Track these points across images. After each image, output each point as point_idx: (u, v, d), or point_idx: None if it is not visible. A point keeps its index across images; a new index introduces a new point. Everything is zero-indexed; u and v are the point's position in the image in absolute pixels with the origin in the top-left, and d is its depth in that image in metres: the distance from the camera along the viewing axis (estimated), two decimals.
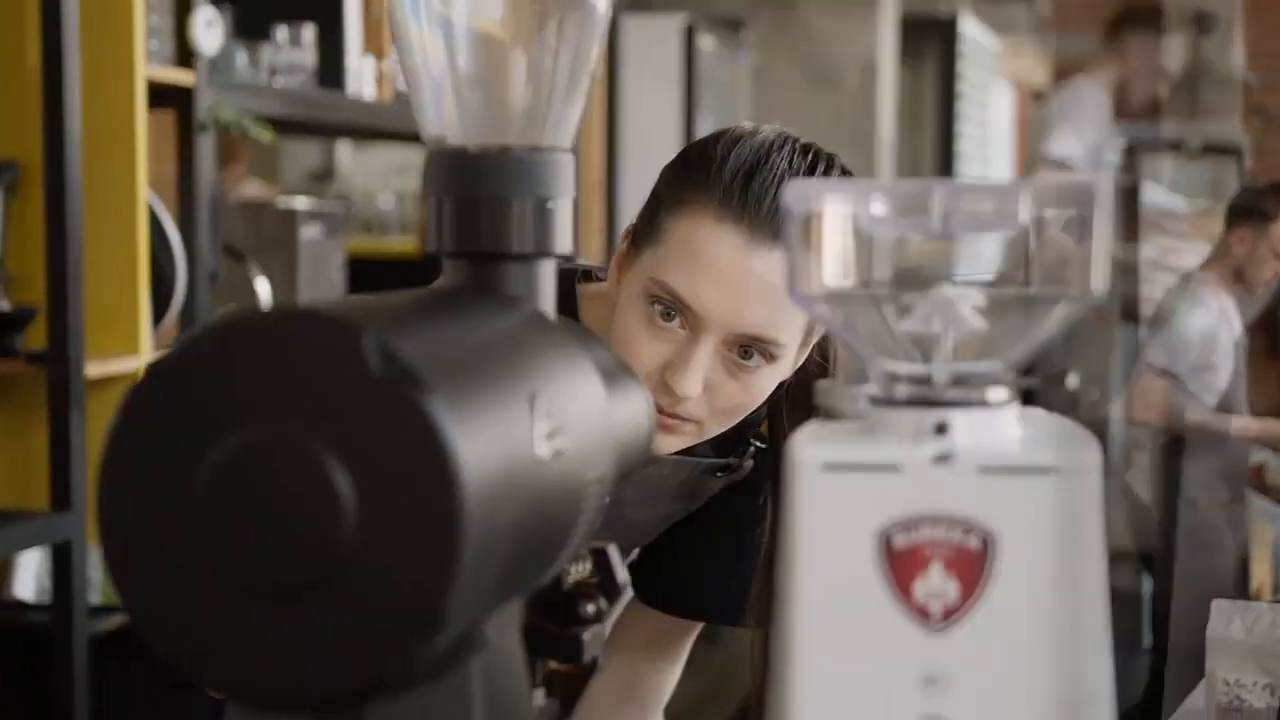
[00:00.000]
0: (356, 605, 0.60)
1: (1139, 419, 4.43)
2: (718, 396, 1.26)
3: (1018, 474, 0.66)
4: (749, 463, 1.43)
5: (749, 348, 1.25)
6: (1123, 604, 4.90)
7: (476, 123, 0.85)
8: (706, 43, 5.04)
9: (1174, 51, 9.53)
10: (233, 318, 0.64)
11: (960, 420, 0.67)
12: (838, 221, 0.73)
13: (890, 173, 6.06)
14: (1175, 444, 4.46)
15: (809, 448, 0.67)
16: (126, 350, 2.63)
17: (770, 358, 1.25)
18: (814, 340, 1.33)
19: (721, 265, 1.22)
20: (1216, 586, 4.23)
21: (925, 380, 0.70)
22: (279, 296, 3.20)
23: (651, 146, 4.70)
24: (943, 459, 0.66)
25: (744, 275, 1.22)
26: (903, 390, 0.70)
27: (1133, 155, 5.04)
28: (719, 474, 1.43)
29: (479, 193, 0.84)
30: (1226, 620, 1.86)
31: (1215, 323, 4.38)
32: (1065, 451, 0.66)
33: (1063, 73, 10.06)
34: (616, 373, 0.89)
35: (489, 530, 0.62)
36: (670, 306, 1.25)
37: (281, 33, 3.18)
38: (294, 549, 0.61)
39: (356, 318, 0.65)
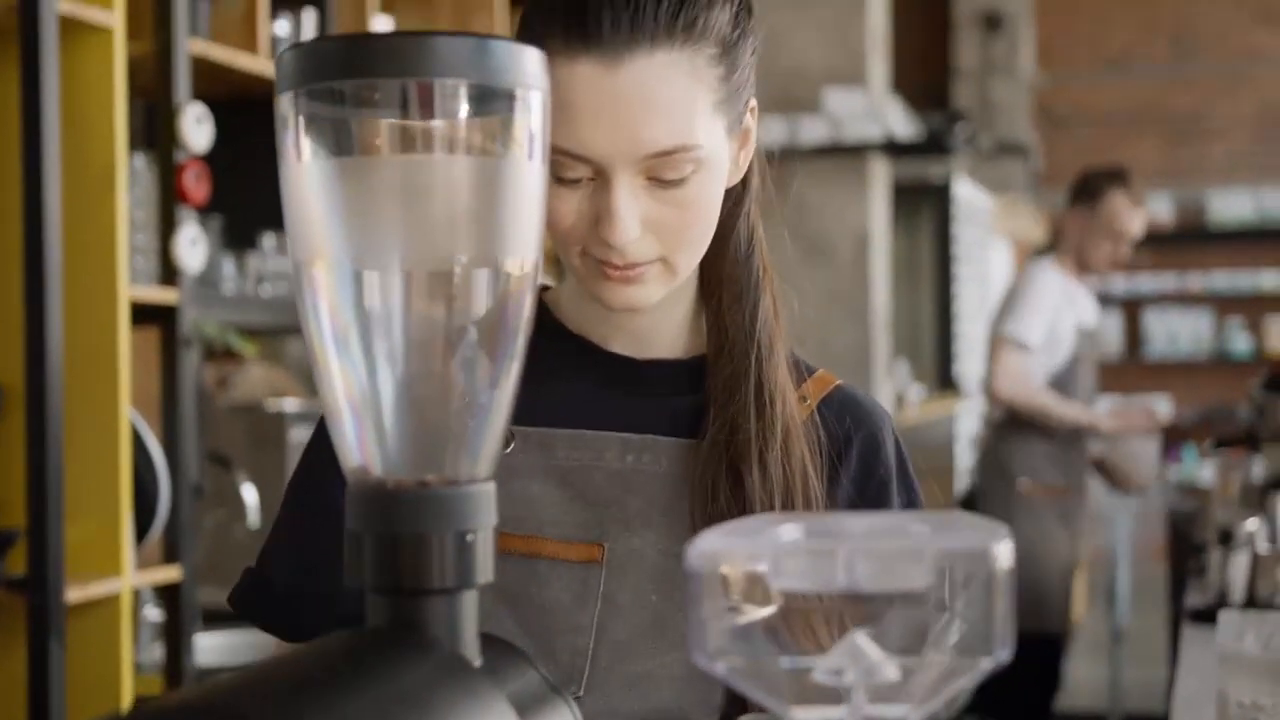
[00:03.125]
0: None
1: (1001, 393, 4.39)
2: (664, 228, 1.17)
3: None
4: None
5: (666, 166, 1.15)
6: None
7: (397, 456, 0.85)
8: None
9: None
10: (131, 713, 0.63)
11: None
12: (743, 580, 0.73)
13: (886, 341, 6.08)
14: (1007, 424, 4.43)
15: None
16: (109, 573, 2.61)
17: (695, 165, 1.16)
18: (746, 119, 1.23)
19: (588, 101, 1.13)
20: (1033, 581, 4.16)
21: None
22: (267, 500, 3.19)
23: None
24: None
25: (615, 100, 1.13)
26: None
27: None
28: None
29: (398, 529, 0.83)
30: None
31: (1058, 303, 4.41)
32: None
33: (1056, 229, 10.21)
34: (543, 698, 0.88)
35: None
36: (568, 165, 1.15)
37: (268, 240, 3.21)
38: None
39: (237, 708, 0.64)
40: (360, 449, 0.85)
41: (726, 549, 0.74)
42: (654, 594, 1.21)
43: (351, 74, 0.81)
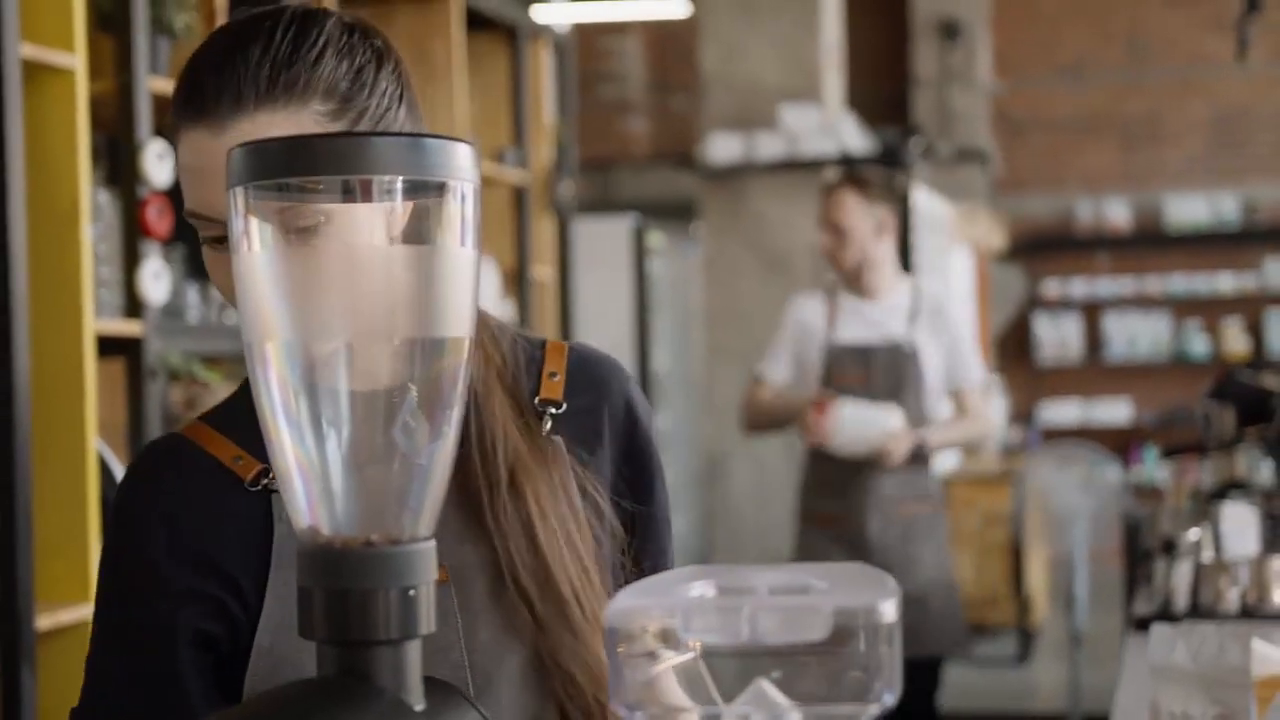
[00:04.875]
0: None
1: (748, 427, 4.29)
2: None
3: None
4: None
5: (293, 219, 1.12)
6: None
7: (344, 517, 0.92)
8: (656, 239, 5.16)
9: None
10: None
11: None
12: (657, 634, 0.80)
13: None
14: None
15: None
16: (78, 599, 2.67)
17: (324, 216, 1.12)
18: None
19: (201, 163, 1.20)
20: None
21: None
22: None
23: (605, 342, 4.77)
24: None
25: (216, 162, 1.16)
26: None
27: None
28: None
29: (346, 585, 0.90)
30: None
31: (802, 327, 4.23)
32: None
33: (1016, 233, 10.34)
34: None
35: None
36: (203, 225, 1.21)
37: None
38: None
39: None
40: (310, 511, 0.93)
41: (641, 607, 0.81)
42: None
43: (295, 172, 0.88)
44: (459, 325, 0.92)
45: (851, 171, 4.27)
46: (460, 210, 0.91)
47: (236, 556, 1.28)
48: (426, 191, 0.90)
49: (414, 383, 0.92)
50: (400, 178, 0.89)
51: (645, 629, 0.81)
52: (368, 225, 0.90)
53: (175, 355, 2.91)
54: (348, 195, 0.90)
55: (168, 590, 1.27)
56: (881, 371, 4.16)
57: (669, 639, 0.80)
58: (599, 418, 1.35)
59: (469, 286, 0.93)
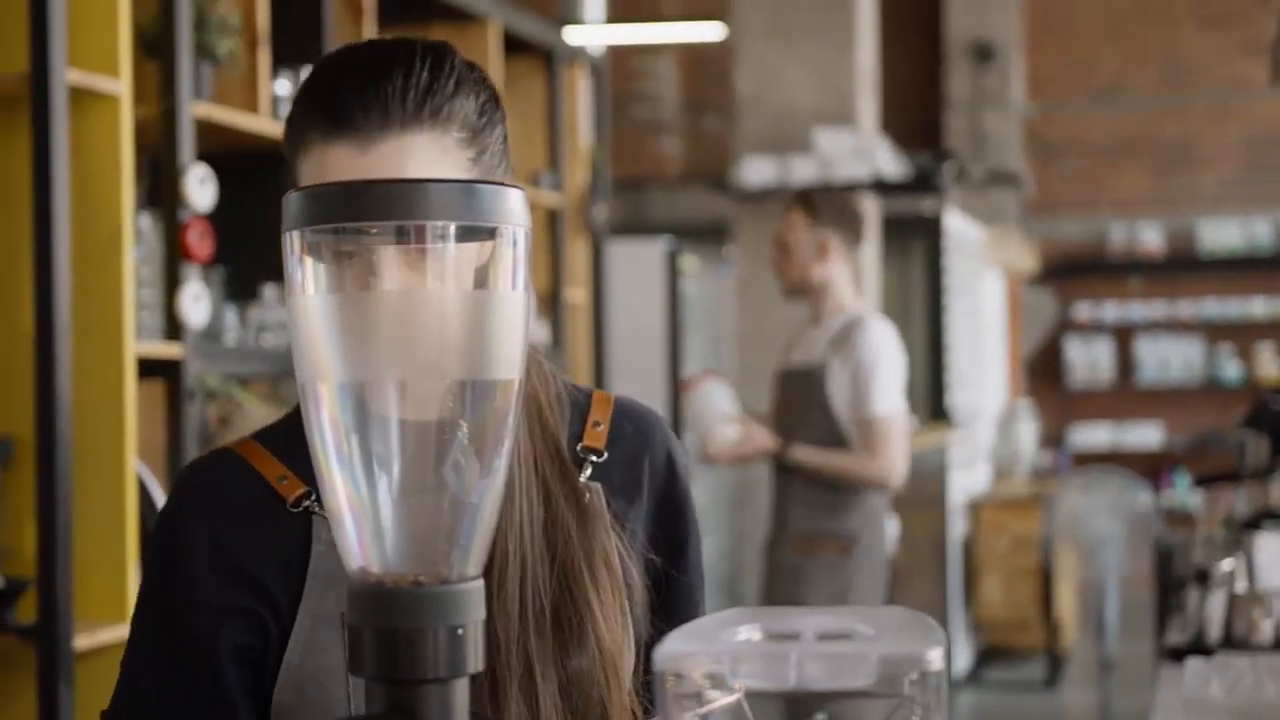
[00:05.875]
0: None
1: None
2: None
3: None
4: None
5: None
6: None
7: (394, 557, 0.94)
8: (689, 263, 5.17)
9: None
10: None
11: None
12: (704, 679, 0.81)
13: None
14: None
15: None
16: (116, 619, 2.69)
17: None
18: None
19: (343, 179, 1.19)
20: None
21: None
22: None
23: (638, 365, 4.80)
24: None
25: (368, 177, 1.20)
26: None
27: None
28: None
29: (396, 624, 0.92)
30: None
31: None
32: None
33: (1048, 256, 10.32)
34: None
35: None
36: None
37: (269, 291, 3.30)
38: None
39: None
40: (361, 550, 0.94)
41: (689, 651, 0.82)
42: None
43: (351, 217, 0.90)
44: (509, 368, 0.94)
45: (806, 193, 4.27)
46: (512, 254, 0.93)
47: (274, 573, 1.29)
48: (479, 236, 0.92)
49: (464, 421, 0.93)
50: (454, 223, 0.90)
51: (693, 672, 0.82)
52: (421, 270, 0.92)
53: (213, 377, 2.94)
54: (402, 239, 0.91)
55: (210, 605, 1.28)
56: (795, 393, 4.10)
57: (716, 683, 0.81)
58: (640, 469, 1.37)
59: (520, 329, 0.94)
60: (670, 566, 1.36)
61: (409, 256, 0.92)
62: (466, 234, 0.91)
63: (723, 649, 0.81)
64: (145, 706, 1.30)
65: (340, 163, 1.22)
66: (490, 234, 0.92)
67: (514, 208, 0.92)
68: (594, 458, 1.34)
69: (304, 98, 1.26)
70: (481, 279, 0.92)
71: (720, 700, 0.83)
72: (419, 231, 0.90)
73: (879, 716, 0.82)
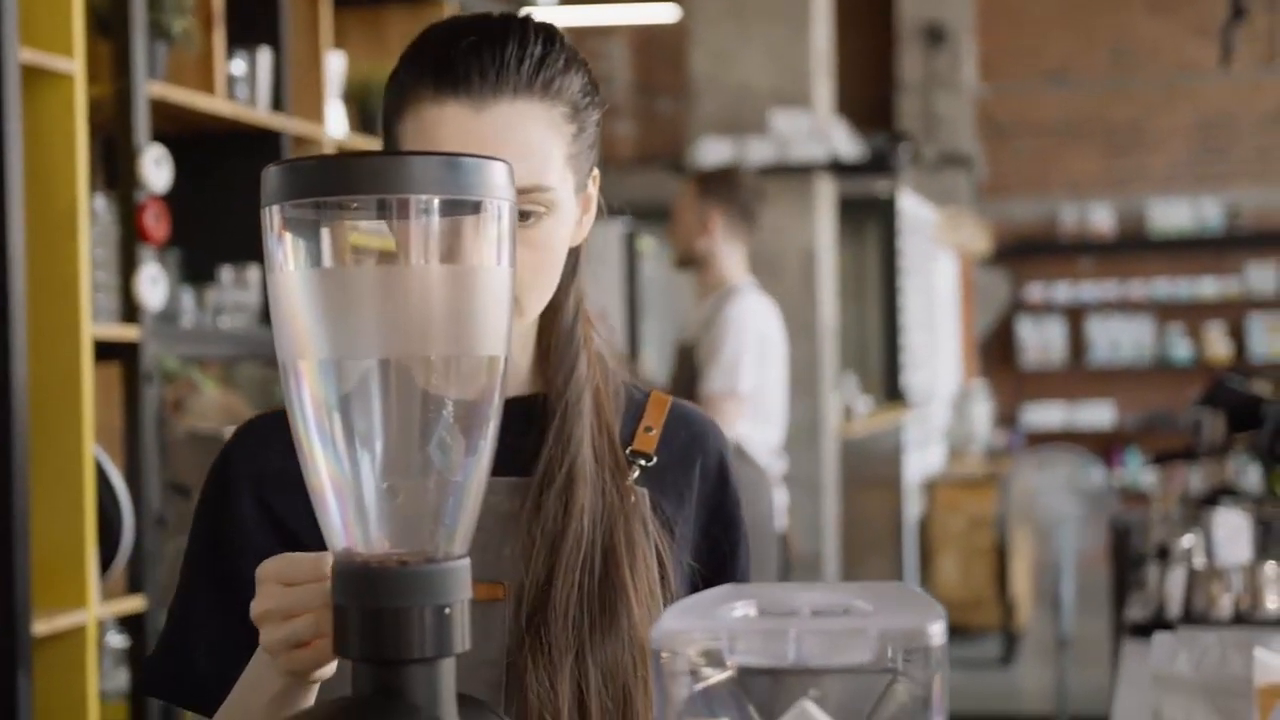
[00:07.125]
0: None
1: None
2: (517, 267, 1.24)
3: None
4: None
5: (521, 203, 1.19)
6: None
7: (379, 536, 0.92)
8: (647, 244, 5.16)
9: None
10: None
11: None
12: (701, 656, 0.80)
13: (834, 355, 6.17)
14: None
15: None
16: (74, 604, 2.66)
17: (548, 208, 1.23)
18: (591, 183, 1.31)
19: (455, 139, 1.21)
20: None
21: None
22: None
23: None
24: None
25: (480, 138, 1.21)
26: None
27: None
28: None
29: (381, 604, 0.90)
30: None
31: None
32: None
33: (1000, 237, 10.36)
34: None
35: None
36: None
37: (226, 273, 3.27)
38: None
39: None
40: (345, 530, 0.93)
41: (686, 629, 0.81)
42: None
43: (331, 191, 0.88)
44: (495, 344, 0.92)
45: (707, 170, 4.32)
46: (497, 228, 0.91)
47: (314, 535, 1.28)
48: (463, 210, 0.90)
49: (449, 399, 0.92)
50: (437, 197, 0.89)
51: (689, 649, 0.81)
52: (404, 244, 0.90)
53: (171, 360, 2.90)
54: (384, 214, 0.90)
55: (257, 551, 1.26)
56: (680, 368, 4.16)
57: (713, 660, 0.80)
58: (690, 475, 1.36)
59: (504, 304, 0.93)
60: (721, 573, 1.36)
61: (391, 231, 0.91)
62: (450, 207, 0.90)
63: (720, 625, 0.81)
64: (192, 648, 1.31)
65: (451, 122, 1.21)
66: (475, 208, 0.90)
67: (498, 181, 0.91)
68: (642, 461, 1.33)
69: (413, 58, 1.25)
70: (464, 253, 0.91)
71: (715, 677, 0.82)
72: (401, 205, 0.88)
73: (876, 692, 0.81)
